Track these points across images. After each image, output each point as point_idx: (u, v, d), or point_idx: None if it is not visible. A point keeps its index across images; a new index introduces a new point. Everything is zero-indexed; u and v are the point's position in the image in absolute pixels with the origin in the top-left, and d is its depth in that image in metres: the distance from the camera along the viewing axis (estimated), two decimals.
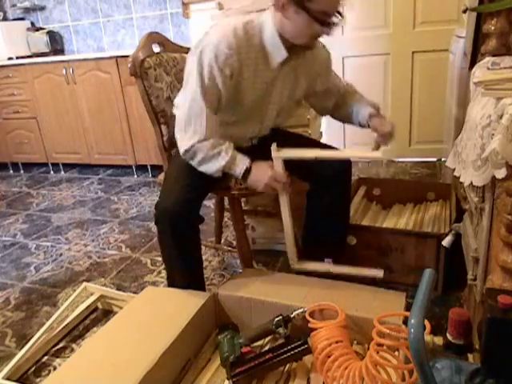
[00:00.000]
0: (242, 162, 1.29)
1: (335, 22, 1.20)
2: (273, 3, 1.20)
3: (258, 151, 1.37)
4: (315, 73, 1.43)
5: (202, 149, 1.28)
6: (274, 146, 1.30)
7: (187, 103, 1.27)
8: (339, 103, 1.52)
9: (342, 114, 1.53)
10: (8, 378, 1.30)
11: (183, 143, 1.30)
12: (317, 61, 1.41)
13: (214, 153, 1.28)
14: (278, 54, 1.27)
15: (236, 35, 1.22)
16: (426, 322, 0.88)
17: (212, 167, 1.30)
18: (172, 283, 1.40)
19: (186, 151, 1.30)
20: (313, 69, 1.41)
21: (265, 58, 1.29)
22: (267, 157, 1.32)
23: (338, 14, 1.20)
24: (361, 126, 1.46)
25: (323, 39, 1.30)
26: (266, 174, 1.28)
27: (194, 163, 1.32)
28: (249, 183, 1.31)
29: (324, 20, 1.18)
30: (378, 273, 1.37)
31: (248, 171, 1.29)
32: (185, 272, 1.36)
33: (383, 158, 1.31)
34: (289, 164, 1.35)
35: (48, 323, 1.48)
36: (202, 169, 1.32)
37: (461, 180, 1.06)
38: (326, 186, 1.39)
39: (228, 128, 1.40)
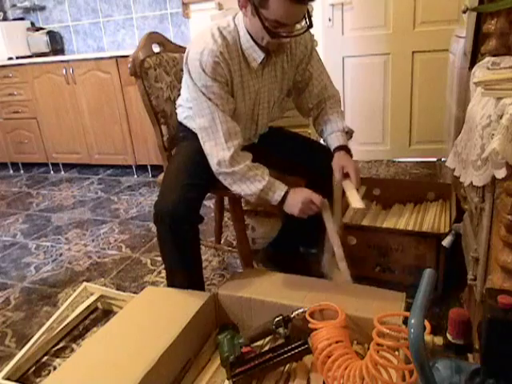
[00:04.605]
0: (279, 189, 1.27)
1: (287, 34, 1.17)
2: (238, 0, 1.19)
3: (258, 149, 1.36)
4: (298, 59, 1.40)
5: (236, 172, 1.25)
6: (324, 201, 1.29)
7: (198, 116, 1.27)
8: (316, 113, 1.47)
9: (317, 128, 1.49)
10: (8, 378, 1.30)
11: (212, 159, 1.28)
12: (299, 47, 1.38)
13: (250, 175, 1.26)
14: (256, 55, 1.27)
15: (216, 42, 1.21)
16: (426, 322, 0.88)
17: (247, 190, 1.27)
18: (171, 283, 1.40)
19: (217, 169, 1.28)
20: (296, 56, 1.39)
21: (246, 62, 1.28)
22: (268, 154, 1.31)
23: (302, 23, 1.17)
24: None
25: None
26: (301, 197, 1.25)
27: (226, 183, 1.30)
28: (285, 208, 1.29)
29: (273, 30, 1.15)
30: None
31: (285, 197, 1.27)
32: (184, 272, 1.36)
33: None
34: (287, 163, 1.35)
35: (48, 323, 1.48)
36: (235, 189, 1.29)
37: (461, 180, 1.07)
38: (320, 183, 1.38)
39: None
